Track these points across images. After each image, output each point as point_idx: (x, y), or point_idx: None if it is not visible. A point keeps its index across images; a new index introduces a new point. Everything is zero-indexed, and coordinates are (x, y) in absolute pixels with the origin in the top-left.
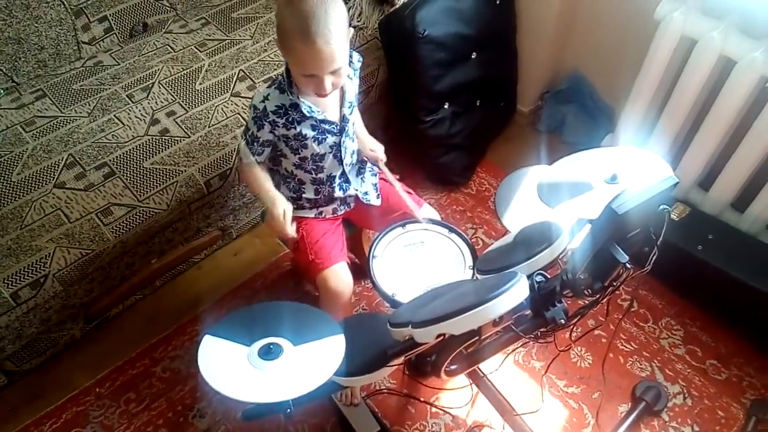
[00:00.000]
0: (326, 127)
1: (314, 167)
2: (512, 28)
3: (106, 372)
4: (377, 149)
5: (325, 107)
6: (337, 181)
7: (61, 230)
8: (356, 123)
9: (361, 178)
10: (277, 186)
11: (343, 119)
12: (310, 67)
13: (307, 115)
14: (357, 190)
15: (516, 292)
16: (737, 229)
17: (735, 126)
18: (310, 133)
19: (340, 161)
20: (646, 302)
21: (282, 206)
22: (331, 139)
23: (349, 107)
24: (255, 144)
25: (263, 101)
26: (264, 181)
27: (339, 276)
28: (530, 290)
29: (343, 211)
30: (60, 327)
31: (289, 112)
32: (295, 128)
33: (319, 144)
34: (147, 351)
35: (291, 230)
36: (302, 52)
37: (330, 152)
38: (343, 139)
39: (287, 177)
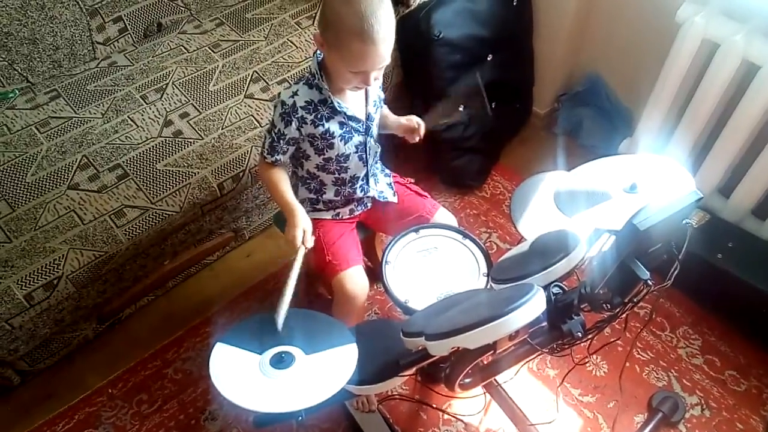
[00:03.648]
0: (353, 124)
1: (338, 167)
2: (528, 30)
3: (118, 373)
4: (413, 118)
5: (350, 105)
6: (359, 182)
7: (75, 232)
8: (386, 112)
9: (375, 179)
10: (295, 187)
11: (368, 118)
12: (363, 64)
13: (338, 109)
14: (374, 189)
15: (533, 306)
16: (758, 237)
17: (757, 132)
18: (337, 131)
19: (365, 162)
20: (663, 310)
21: (302, 225)
22: (356, 139)
23: (374, 105)
24: (281, 141)
25: (292, 96)
26: (285, 188)
27: (355, 279)
28: (547, 302)
29: (360, 212)
30: (73, 328)
31: (319, 108)
32: (323, 125)
33: (345, 143)
34: (159, 352)
35: (309, 245)
36: (360, 51)
37: (355, 152)
38: (368, 138)
39: (308, 179)
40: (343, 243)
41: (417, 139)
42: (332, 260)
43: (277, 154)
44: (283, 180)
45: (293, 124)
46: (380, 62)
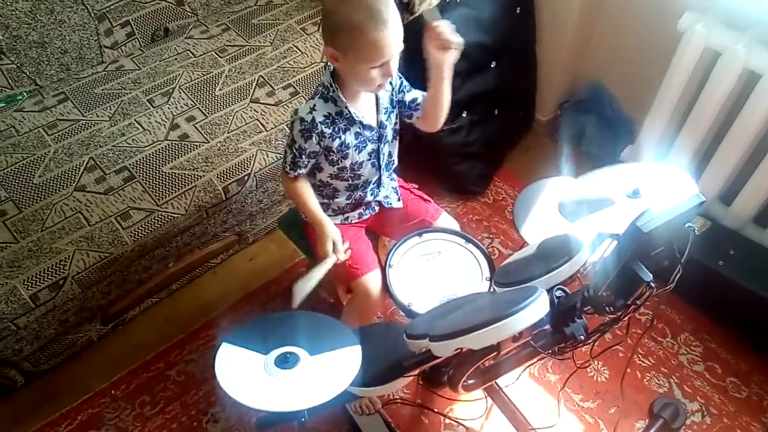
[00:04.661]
0: (367, 134)
1: (352, 175)
2: (532, 38)
3: (121, 374)
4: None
5: (364, 114)
6: (371, 186)
7: (81, 233)
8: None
9: (383, 184)
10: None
11: (381, 125)
12: (383, 53)
13: (354, 119)
14: (382, 195)
15: (537, 308)
16: (760, 245)
17: (758, 140)
18: (352, 141)
19: (378, 168)
20: (664, 317)
21: (331, 237)
22: (370, 147)
23: (386, 113)
24: (303, 156)
25: (311, 112)
26: (313, 203)
27: (376, 282)
28: (550, 305)
29: (368, 216)
30: (77, 329)
31: (336, 121)
32: (339, 137)
33: (359, 152)
34: (162, 354)
35: (342, 256)
36: (377, 40)
37: (368, 160)
38: (381, 145)
39: (321, 186)
40: (360, 247)
41: (451, 47)
42: (352, 265)
43: (300, 169)
44: (309, 193)
45: (314, 138)
46: (397, 46)
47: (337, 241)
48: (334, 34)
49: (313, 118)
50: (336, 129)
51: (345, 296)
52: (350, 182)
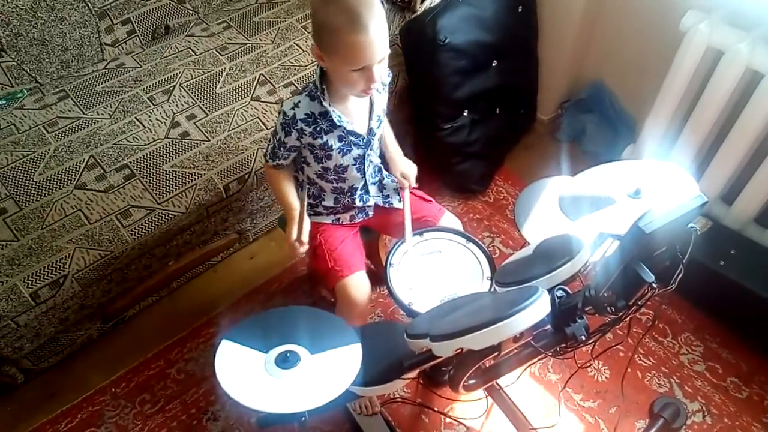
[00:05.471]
0: (353, 139)
1: (336, 177)
2: (533, 37)
3: (121, 372)
4: (410, 175)
5: (353, 119)
6: (358, 192)
7: (81, 231)
8: (388, 140)
9: (381, 187)
10: (296, 191)
11: (370, 132)
12: (363, 57)
13: (337, 123)
14: (377, 198)
15: (538, 308)
16: (761, 245)
17: (761, 140)
18: (336, 144)
19: (363, 174)
20: (665, 317)
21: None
22: (356, 152)
23: (378, 120)
24: (282, 149)
25: (293, 108)
26: (287, 189)
27: (358, 285)
28: (551, 305)
29: (360, 219)
30: (77, 327)
31: (318, 121)
32: (321, 138)
33: (343, 156)
34: (162, 352)
35: (305, 247)
36: (356, 43)
37: (354, 164)
38: (368, 152)
39: (308, 184)
40: (345, 249)
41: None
42: (334, 266)
43: (279, 159)
44: (284, 180)
45: (293, 134)
46: (378, 52)
47: (305, 229)
48: (318, 34)
49: (294, 114)
50: (317, 129)
51: None
52: (335, 185)
